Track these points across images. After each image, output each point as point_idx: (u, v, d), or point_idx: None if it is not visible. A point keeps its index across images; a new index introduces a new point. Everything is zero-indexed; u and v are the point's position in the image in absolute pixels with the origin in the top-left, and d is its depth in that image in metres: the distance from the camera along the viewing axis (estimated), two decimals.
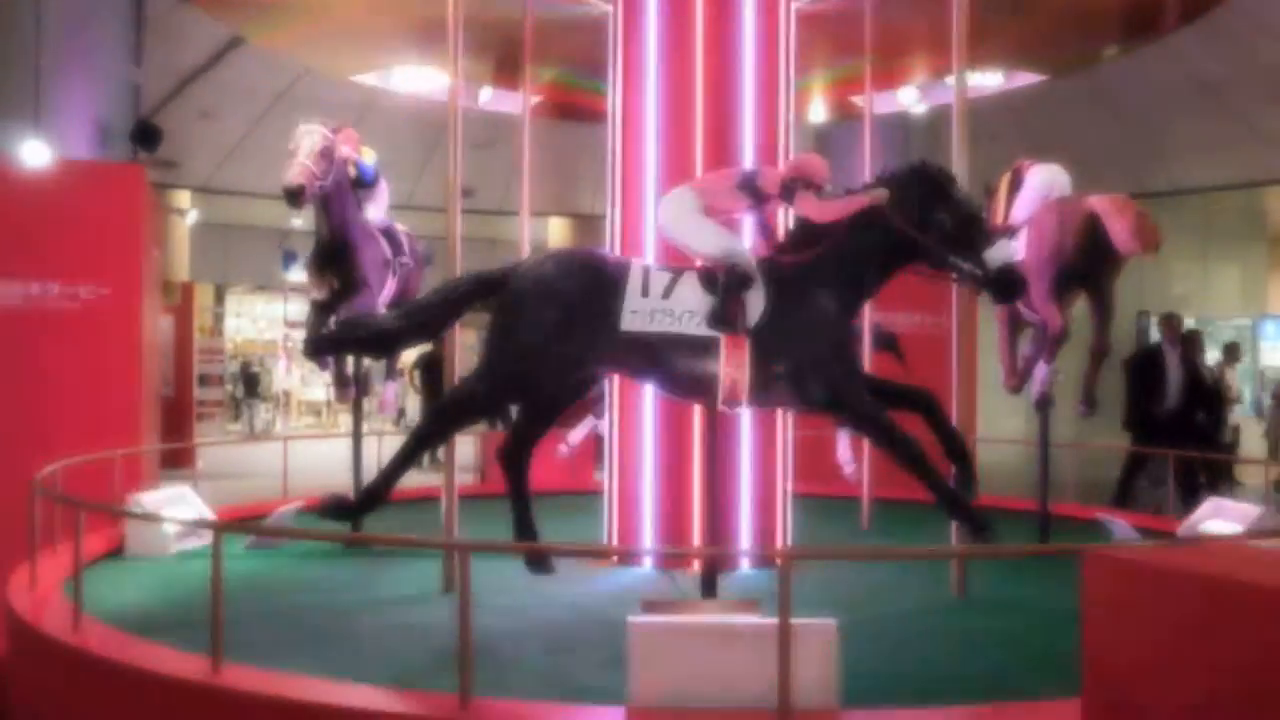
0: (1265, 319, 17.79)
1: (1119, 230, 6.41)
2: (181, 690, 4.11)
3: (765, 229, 5.57)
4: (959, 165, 6.07)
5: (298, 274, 7.34)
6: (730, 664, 3.71)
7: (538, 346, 5.01)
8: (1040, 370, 7.21)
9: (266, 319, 25.57)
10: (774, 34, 6.99)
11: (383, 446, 10.27)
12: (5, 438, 7.84)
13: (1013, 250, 5.08)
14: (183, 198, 19.18)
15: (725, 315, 4.89)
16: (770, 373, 4.93)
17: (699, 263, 5.35)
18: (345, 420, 24.26)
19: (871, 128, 8.61)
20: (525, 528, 5.57)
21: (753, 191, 5.20)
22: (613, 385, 7.18)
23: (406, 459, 5.16)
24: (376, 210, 7.43)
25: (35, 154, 9.43)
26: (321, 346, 6.16)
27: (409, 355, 22.25)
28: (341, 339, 5.81)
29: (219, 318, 23.76)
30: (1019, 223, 6.95)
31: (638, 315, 4.95)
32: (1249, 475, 12.34)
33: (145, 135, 11.68)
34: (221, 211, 20.28)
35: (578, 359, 5.11)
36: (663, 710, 3.69)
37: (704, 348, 4.92)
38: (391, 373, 8.08)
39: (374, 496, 5.18)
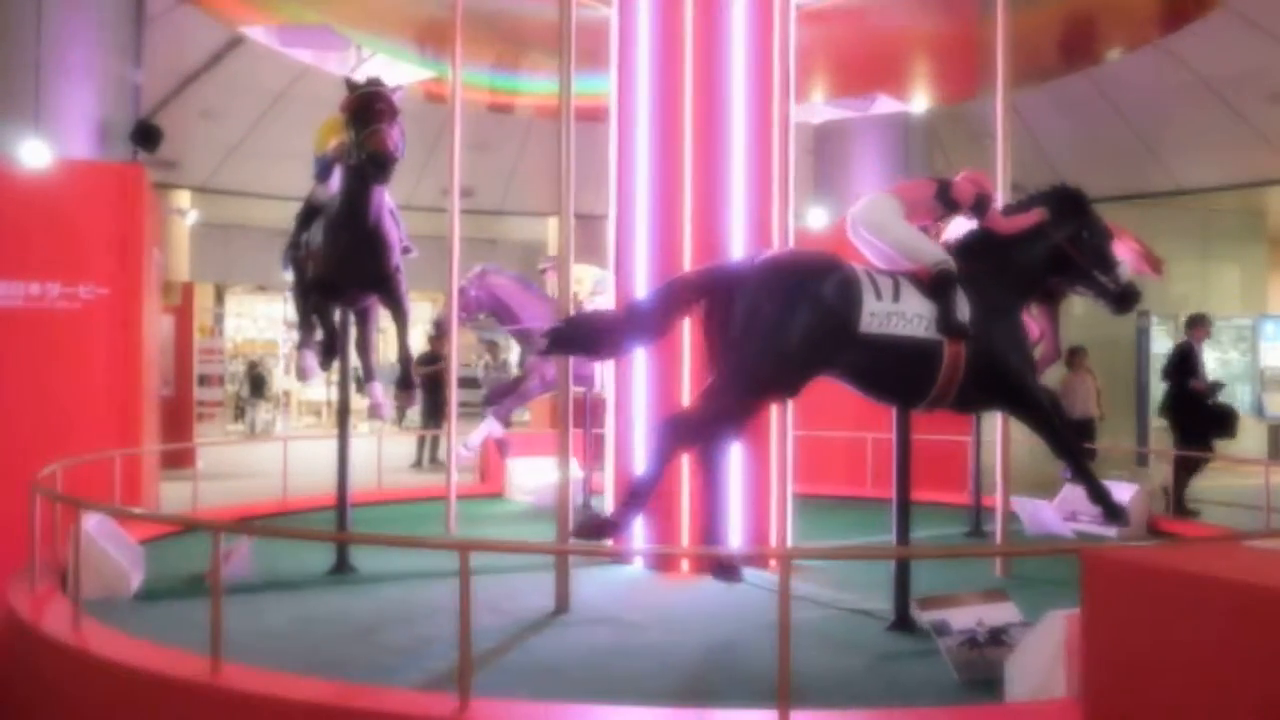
0: (1265, 319, 17.77)
1: (1122, 254, 6.68)
2: (181, 690, 4.11)
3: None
4: (1001, 167, 6.66)
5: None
6: None
7: (794, 349, 4.90)
8: None
9: (266, 319, 25.58)
10: (784, 36, 7.03)
11: (383, 446, 10.37)
12: (5, 438, 7.84)
13: (1131, 268, 5.59)
14: (183, 198, 19.17)
15: (954, 319, 5.09)
16: (977, 375, 5.16)
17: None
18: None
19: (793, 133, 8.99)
20: (715, 532, 5.34)
21: (947, 202, 5.46)
22: (614, 386, 7.18)
23: (659, 468, 4.93)
24: None
25: (35, 154, 9.43)
26: (556, 345, 5.34)
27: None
28: (575, 337, 5.16)
29: (219, 318, 23.76)
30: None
31: (875, 318, 5.01)
32: (1248, 475, 12.33)
33: (145, 135, 11.66)
34: (221, 211, 20.26)
35: (822, 361, 5.07)
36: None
37: (928, 350, 5.08)
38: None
39: (630, 509, 4.92)
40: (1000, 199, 6.39)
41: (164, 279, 14.14)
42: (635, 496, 4.87)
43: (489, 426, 9.09)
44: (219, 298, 24.12)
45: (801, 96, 11.16)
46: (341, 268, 6.32)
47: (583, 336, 5.08)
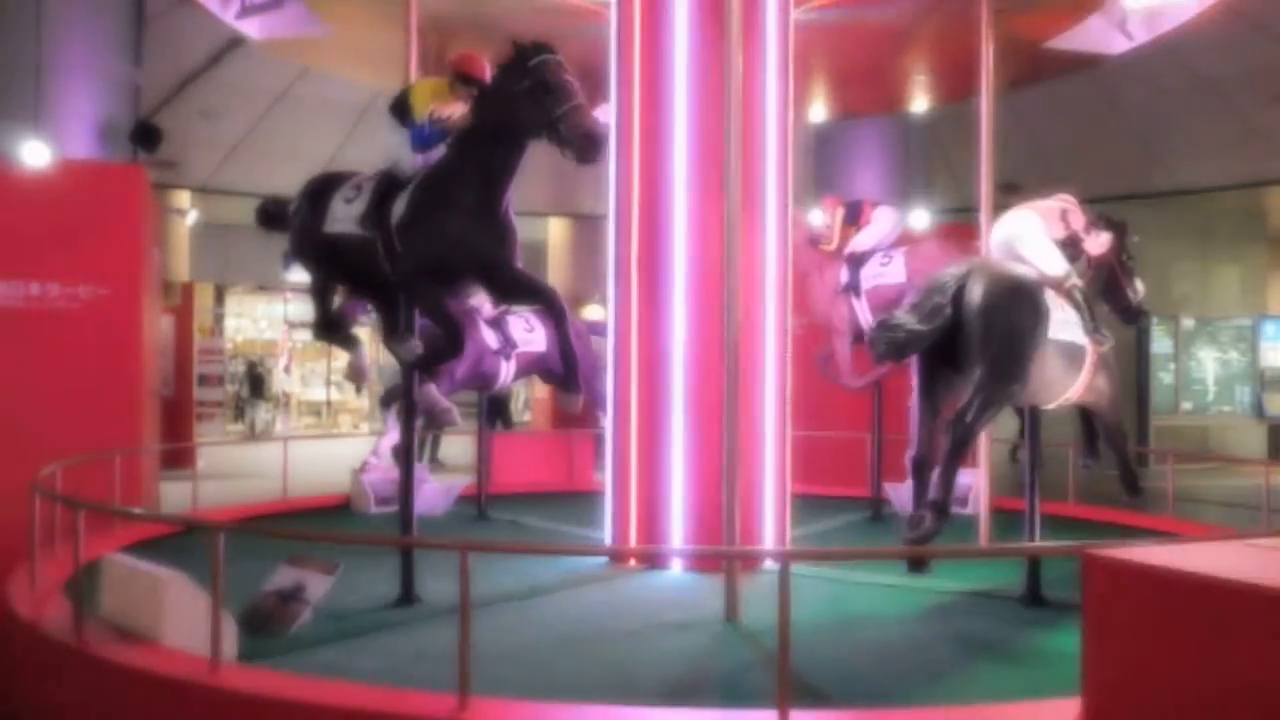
0: (1265, 319, 17.77)
1: None
2: (181, 690, 4.11)
3: None
4: (985, 169, 7.03)
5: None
6: None
7: (1030, 355, 5.36)
8: None
9: (267, 319, 25.58)
10: (785, 39, 7.07)
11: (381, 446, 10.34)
12: (5, 438, 7.83)
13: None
14: (183, 198, 19.19)
15: (1100, 326, 5.71)
16: (1096, 376, 5.72)
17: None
18: (344, 421, 24.38)
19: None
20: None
21: (1066, 225, 5.92)
22: (617, 388, 7.19)
23: (954, 469, 5.36)
24: None
25: (35, 154, 9.43)
26: (895, 351, 5.38)
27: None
28: (900, 342, 5.37)
29: (219, 318, 23.76)
30: (882, 250, 8.37)
31: (1056, 324, 5.50)
32: (1248, 475, 12.33)
33: (145, 135, 11.68)
34: (221, 211, 20.26)
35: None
36: None
37: (1080, 354, 5.63)
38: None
39: (943, 513, 5.35)
40: (985, 201, 6.93)
41: (164, 279, 14.15)
42: (943, 499, 5.30)
43: (393, 434, 8.42)
44: (219, 298, 24.11)
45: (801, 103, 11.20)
46: (466, 252, 5.53)
47: (901, 341, 5.40)
